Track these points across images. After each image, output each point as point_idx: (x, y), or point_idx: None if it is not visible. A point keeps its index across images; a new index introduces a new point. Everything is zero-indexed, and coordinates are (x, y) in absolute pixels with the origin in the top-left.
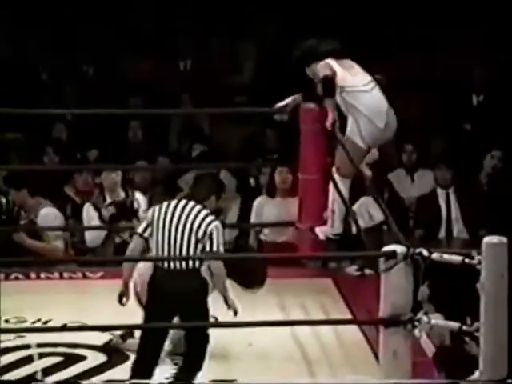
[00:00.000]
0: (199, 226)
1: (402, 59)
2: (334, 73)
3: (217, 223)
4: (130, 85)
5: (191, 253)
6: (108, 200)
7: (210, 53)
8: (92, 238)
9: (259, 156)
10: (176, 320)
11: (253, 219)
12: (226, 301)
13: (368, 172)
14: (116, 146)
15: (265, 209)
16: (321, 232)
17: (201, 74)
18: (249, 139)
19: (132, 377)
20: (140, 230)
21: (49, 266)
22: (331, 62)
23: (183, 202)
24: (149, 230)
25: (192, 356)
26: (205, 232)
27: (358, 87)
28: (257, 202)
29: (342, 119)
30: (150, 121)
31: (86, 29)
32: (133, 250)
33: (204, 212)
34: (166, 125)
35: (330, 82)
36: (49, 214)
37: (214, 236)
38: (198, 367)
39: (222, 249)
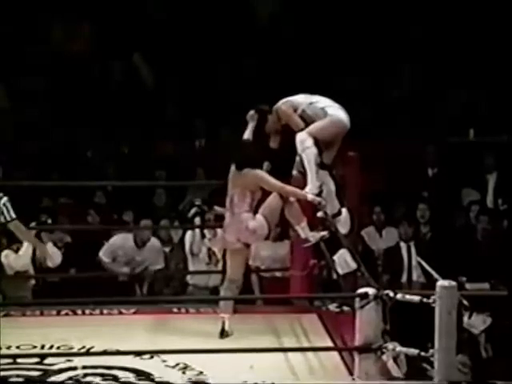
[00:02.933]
0: None
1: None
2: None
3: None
4: (156, 160)
5: None
6: None
7: (220, 133)
8: None
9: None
10: None
11: (251, 258)
12: None
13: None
14: (144, 209)
15: (261, 249)
16: (308, 190)
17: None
18: None
19: None
20: None
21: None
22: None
23: None
24: None
25: None
26: None
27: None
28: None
29: None
30: (171, 189)
31: (123, 118)
32: None
33: None
34: (183, 192)
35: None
36: None
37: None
38: None
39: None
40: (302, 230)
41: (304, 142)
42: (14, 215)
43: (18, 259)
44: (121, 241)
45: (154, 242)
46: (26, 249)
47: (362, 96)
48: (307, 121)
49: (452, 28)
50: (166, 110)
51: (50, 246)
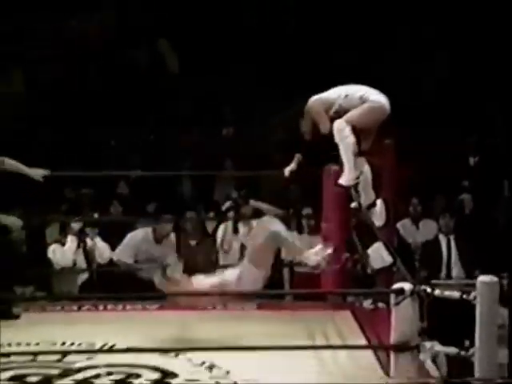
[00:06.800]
0: None
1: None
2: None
3: None
4: (182, 150)
5: None
6: None
7: (249, 122)
8: None
9: (289, 206)
10: None
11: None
12: None
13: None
14: (169, 200)
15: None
16: (344, 182)
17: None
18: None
19: None
20: None
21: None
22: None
23: None
24: None
25: None
26: None
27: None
28: None
29: None
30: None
31: (148, 108)
32: None
33: None
34: (211, 183)
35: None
36: None
37: None
38: None
39: None
40: (307, 259)
41: (342, 131)
42: None
43: (63, 254)
44: (141, 235)
45: (171, 237)
46: (71, 243)
47: (399, 83)
48: (345, 113)
49: (489, 14)
50: (192, 97)
51: (98, 241)
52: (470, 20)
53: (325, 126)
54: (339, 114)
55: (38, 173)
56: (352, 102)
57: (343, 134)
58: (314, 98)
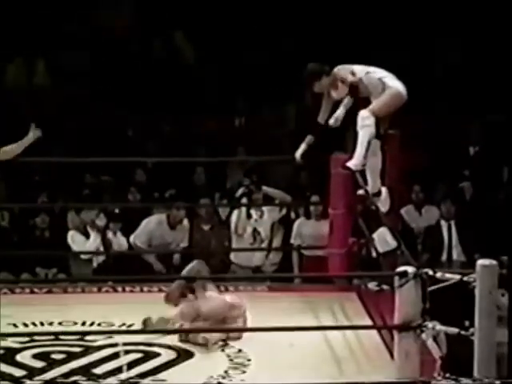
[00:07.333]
0: None
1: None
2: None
3: None
4: (196, 139)
5: None
6: None
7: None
8: None
9: (297, 193)
10: None
11: (293, 236)
12: None
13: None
14: (184, 187)
15: (303, 228)
16: (352, 165)
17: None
18: (288, 180)
19: None
20: None
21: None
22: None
23: None
24: None
25: None
26: None
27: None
28: (297, 222)
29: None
30: (211, 168)
31: (163, 98)
32: None
33: None
34: (223, 170)
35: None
36: None
37: None
38: None
39: None
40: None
41: (365, 119)
42: None
43: (84, 246)
44: (156, 221)
45: (185, 223)
46: (95, 238)
47: (402, 71)
48: (362, 91)
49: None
50: (207, 87)
51: (119, 235)
52: (475, 8)
53: (342, 92)
54: (357, 86)
55: (31, 135)
56: (371, 80)
57: (366, 123)
58: (342, 66)
